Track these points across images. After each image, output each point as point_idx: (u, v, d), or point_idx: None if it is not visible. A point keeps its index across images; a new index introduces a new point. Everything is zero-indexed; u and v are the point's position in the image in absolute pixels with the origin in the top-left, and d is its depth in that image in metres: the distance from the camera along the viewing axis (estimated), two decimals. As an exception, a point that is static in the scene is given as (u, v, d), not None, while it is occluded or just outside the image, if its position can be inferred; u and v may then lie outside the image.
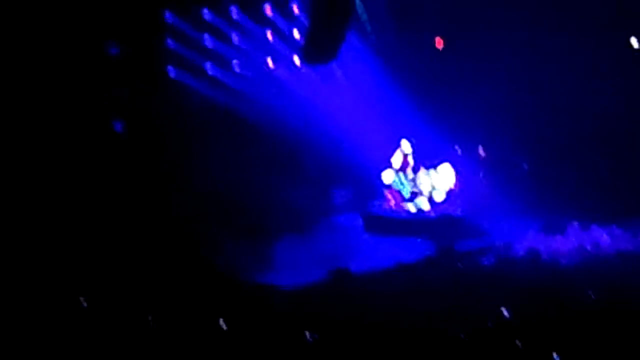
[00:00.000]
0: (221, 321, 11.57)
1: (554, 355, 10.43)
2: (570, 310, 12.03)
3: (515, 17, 19.51)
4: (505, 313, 12.12)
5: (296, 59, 19.45)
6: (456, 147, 20.16)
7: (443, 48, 20.32)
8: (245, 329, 11.38)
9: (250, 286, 14.82)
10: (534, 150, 19.93)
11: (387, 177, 19.92)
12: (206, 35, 19.27)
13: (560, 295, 12.83)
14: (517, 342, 10.97)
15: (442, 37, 20.27)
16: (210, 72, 19.34)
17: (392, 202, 19.79)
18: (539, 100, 19.83)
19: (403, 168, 19.91)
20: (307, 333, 11.09)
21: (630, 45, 19.58)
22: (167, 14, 18.66)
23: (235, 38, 19.66)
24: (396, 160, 19.93)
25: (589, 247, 16.23)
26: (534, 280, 14.32)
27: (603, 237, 16.67)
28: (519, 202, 18.98)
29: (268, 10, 19.87)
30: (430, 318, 11.93)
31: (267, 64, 20.04)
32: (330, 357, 10.84)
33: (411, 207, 19.51)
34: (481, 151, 20.23)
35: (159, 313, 12.04)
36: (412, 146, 19.98)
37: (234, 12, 19.52)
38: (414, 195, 19.70)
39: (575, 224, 17.37)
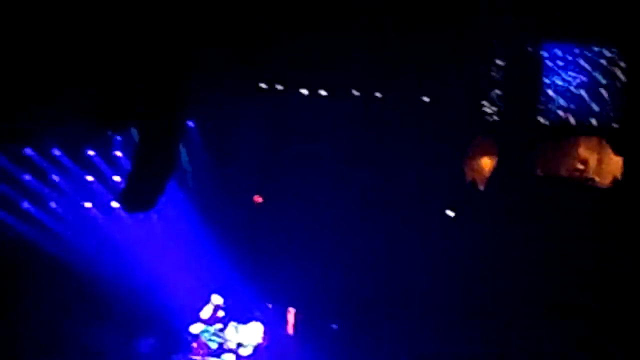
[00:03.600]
0: None
1: None
2: None
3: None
4: None
5: (114, 204, 19.44)
6: (268, 304, 20.21)
7: (261, 203, 20.73)
8: None
9: None
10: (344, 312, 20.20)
11: (195, 329, 19.73)
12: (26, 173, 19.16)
13: None
14: None
15: (260, 195, 20.73)
16: (25, 209, 19.13)
17: (199, 355, 19.54)
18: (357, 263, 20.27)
19: (212, 321, 19.79)
20: None
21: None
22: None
23: (55, 178, 19.58)
24: (206, 313, 19.82)
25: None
26: None
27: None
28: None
29: (90, 153, 19.94)
30: None
31: (84, 206, 19.93)
32: None
33: (217, 361, 19.34)
34: (291, 311, 20.38)
35: None
36: (224, 301, 19.94)
37: (56, 152, 19.53)
38: (221, 349, 19.53)
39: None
